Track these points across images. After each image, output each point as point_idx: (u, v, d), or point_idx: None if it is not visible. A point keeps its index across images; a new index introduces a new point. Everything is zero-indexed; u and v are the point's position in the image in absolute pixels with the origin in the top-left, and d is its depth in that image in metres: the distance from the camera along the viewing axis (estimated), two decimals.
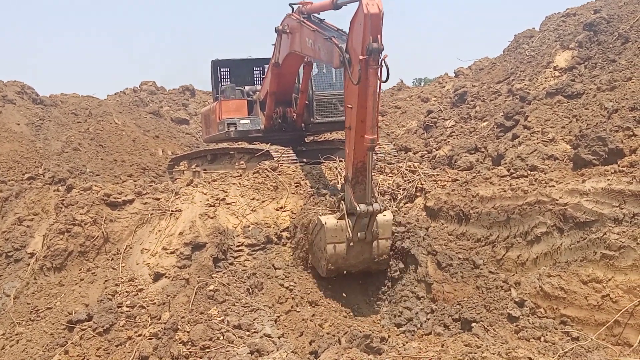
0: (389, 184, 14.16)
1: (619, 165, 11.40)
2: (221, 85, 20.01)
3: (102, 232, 12.25)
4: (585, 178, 11.47)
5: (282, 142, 16.71)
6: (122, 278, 11.45)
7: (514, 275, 11.66)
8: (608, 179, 10.96)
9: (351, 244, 11.24)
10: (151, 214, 12.52)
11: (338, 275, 11.80)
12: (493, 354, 9.76)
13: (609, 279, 10.32)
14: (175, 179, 18.09)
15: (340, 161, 14.77)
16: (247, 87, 19.33)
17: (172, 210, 12.40)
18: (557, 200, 11.28)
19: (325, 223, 11.21)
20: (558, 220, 11.18)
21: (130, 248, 12.12)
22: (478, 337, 10.48)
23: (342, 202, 11.24)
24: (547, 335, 10.39)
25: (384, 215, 11.41)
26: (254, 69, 20.64)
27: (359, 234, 11.20)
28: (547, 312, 10.91)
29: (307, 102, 17.29)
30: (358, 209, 10.83)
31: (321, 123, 17.65)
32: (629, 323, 9.98)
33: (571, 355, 9.68)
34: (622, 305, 10.04)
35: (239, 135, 17.67)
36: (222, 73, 20.39)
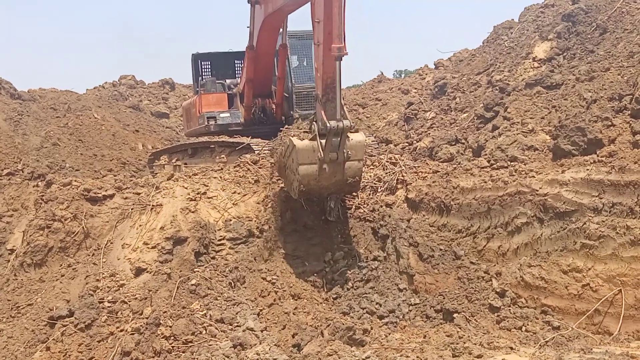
0: (370, 176, 14.16)
1: (598, 155, 11.49)
2: (202, 78, 19.94)
3: (83, 227, 12.16)
4: (565, 168, 11.56)
5: (262, 135, 16.67)
6: (103, 273, 11.38)
7: (495, 265, 11.73)
8: (587, 169, 11.05)
9: (323, 165, 11.12)
10: (132, 209, 12.45)
11: (310, 197, 11.96)
12: (475, 344, 9.82)
13: (589, 269, 10.42)
14: (156, 173, 18.01)
15: None
16: (228, 81, 19.28)
17: (152, 205, 12.34)
18: (537, 190, 11.36)
19: (297, 144, 11.14)
20: (538, 211, 11.26)
21: (111, 243, 12.05)
22: (460, 328, 10.55)
23: (314, 123, 11.12)
24: (528, 325, 10.48)
25: (356, 137, 11.35)
26: (235, 62, 20.58)
27: (330, 154, 11.06)
28: (528, 302, 11.00)
29: (286, 94, 17.27)
30: (328, 125, 10.73)
31: (301, 116, 17.63)
32: (609, 312, 10.08)
33: (552, 345, 9.76)
34: (602, 294, 10.14)
35: (219, 129, 17.64)
36: (202, 66, 20.32)
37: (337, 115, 10.83)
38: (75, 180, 13.27)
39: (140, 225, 12.07)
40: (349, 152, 11.17)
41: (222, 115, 17.75)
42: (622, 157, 10.98)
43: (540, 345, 9.75)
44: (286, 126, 13.68)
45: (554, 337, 9.93)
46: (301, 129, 11.95)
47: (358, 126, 14.86)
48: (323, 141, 10.99)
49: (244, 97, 17.46)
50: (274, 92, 17.18)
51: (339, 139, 10.98)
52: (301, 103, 17.30)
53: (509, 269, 11.46)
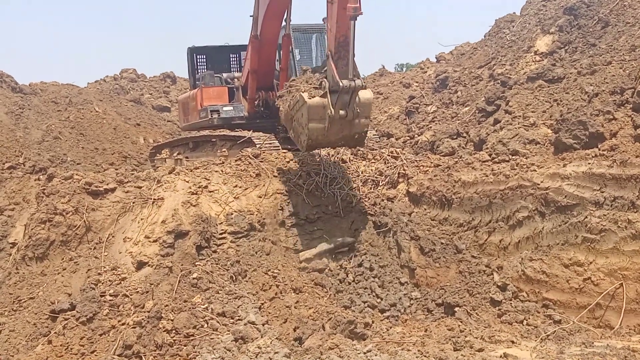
0: (371, 170, 14.16)
1: (599, 149, 11.48)
2: (198, 72, 19.89)
3: (84, 221, 12.17)
4: (567, 162, 11.55)
5: (264, 129, 16.65)
6: (104, 267, 11.40)
7: (496, 259, 11.73)
8: (589, 163, 11.04)
9: (332, 122, 11.37)
10: (133, 203, 12.45)
11: (317, 148, 12.87)
12: (476, 337, 9.83)
13: (590, 262, 10.42)
14: (157, 167, 17.98)
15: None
16: (224, 75, 19.21)
17: (154, 199, 12.35)
18: (539, 184, 11.35)
19: (308, 101, 11.35)
20: (540, 205, 11.25)
21: (113, 237, 12.06)
22: (461, 322, 10.56)
23: (325, 79, 11.31)
24: (529, 318, 10.48)
25: (365, 94, 11.55)
26: (231, 56, 20.49)
27: (340, 111, 11.28)
28: (530, 295, 11.00)
29: None
30: (341, 84, 10.93)
31: None
32: (610, 306, 10.08)
33: (553, 338, 9.77)
34: (604, 288, 10.14)
35: (222, 122, 17.57)
36: (198, 60, 20.23)
37: (349, 74, 11.03)
38: (76, 174, 13.26)
39: (141, 219, 12.08)
40: (358, 110, 11.43)
41: (225, 108, 17.69)
42: (623, 151, 10.97)
43: (541, 339, 9.76)
44: (293, 77, 13.80)
45: (555, 331, 9.94)
46: (310, 84, 12.08)
47: None
48: (332, 97, 11.21)
49: (246, 90, 17.42)
50: (276, 86, 17.15)
51: (349, 96, 11.20)
52: None
53: (511, 262, 11.47)
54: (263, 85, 16.98)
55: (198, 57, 20.24)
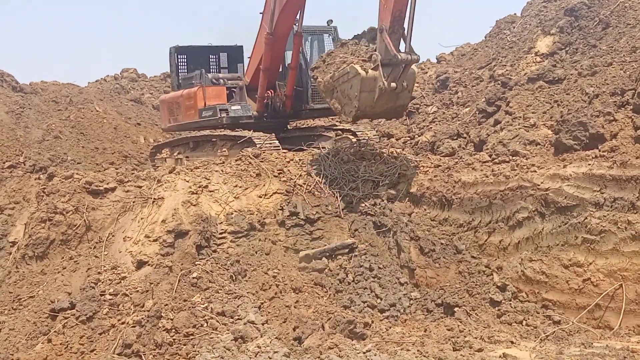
0: (371, 170, 14.17)
1: (599, 150, 11.49)
2: (180, 71, 19.66)
3: (84, 220, 12.18)
4: (567, 163, 11.56)
5: (272, 128, 16.64)
6: (104, 266, 11.41)
7: (496, 260, 11.74)
8: (589, 164, 11.05)
9: (382, 93, 12.08)
10: (133, 202, 12.47)
11: (362, 118, 14.05)
12: (475, 338, 9.85)
13: (590, 263, 10.43)
14: (158, 167, 17.97)
15: (323, 148, 14.79)
16: (210, 75, 19.06)
17: (154, 198, 12.36)
18: (539, 185, 11.36)
19: (362, 73, 11.97)
20: (540, 205, 11.26)
21: (113, 236, 12.07)
22: (460, 322, 10.57)
23: (375, 53, 11.88)
24: (528, 319, 10.49)
25: (412, 68, 12.34)
26: (210, 56, 20.26)
27: (392, 83, 12.00)
28: (529, 296, 11.01)
29: (299, 87, 17.26)
30: (399, 57, 11.64)
31: (315, 110, 17.81)
32: (609, 306, 10.09)
33: (553, 339, 9.78)
34: (603, 289, 10.15)
35: (231, 121, 17.36)
36: (180, 60, 20.02)
37: (406, 47, 11.74)
38: (77, 173, 13.29)
39: (141, 219, 12.09)
40: (405, 83, 12.15)
41: (233, 107, 17.53)
42: (623, 152, 10.99)
43: (540, 339, 9.78)
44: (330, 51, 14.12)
45: (554, 332, 9.95)
46: (357, 56, 12.66)
47: (360, 120, 15.02)
48: (384, 70, 11.84)
49: (253, 89, 17.33)
50: (277, 86, 17.14)
51: (401, 70, 11.84)
52: (316, 97, 17.26)
53: (510, 263, 11.48)
54: (272, 83, 17.01)
55: (179, 56, 19.98)
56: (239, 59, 20.14)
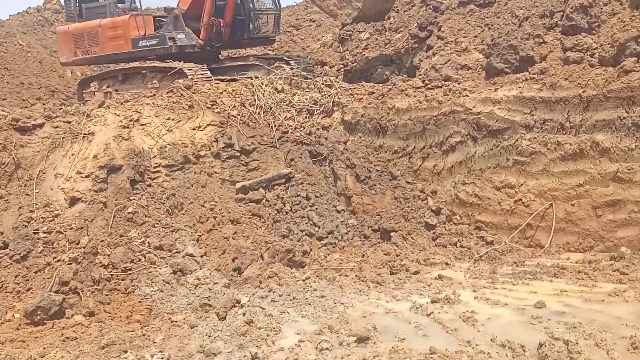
0: (305, 99, 14.09)
1: (529, 73, 11.61)
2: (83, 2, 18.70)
3: (13, 157, 11.84)
4: (498, 87, 11.68)
5: (196, 60, 16.26)
6: (36, 204, 11.16)
7: (430, 184, 11.92)
8: (519, 87, 11.19)
9: None
10: (63, 138, 12.14)
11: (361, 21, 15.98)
12: (412, 261, 10.07)
13: (521, 184, 10.69)
14: (86, 101, 17.45)
15: (256, 78, 14.58)
16: (125, 3, 18.28)
17: (84, 133, 12.06)
18: (471, 109, 11.49)
19: None
20: (472, 129, 11.41)
21: (43, 173, 11.78)
22: (397, 246, 10.76)
23: None
24: (462, 241, 10.75)
25: None
26: None
27: None
28: (463, 218, 11.26)
29: (239, 16, 17.01)
30: None
31: (255, 39, 17.82)
32: (540, 226, 10.40)
33: (486, 259, 10.06)
34: (534, 209, 10.44)
35: (179, 50, 16.78)
36: None
37: None
38: (2, 110, 12.83)
39: (72, 155, 11.82)
40: None
41: (179, 36, 16.92)
42: (553, 74, 11.13)
43: (474, 260, 10.04)
44: None
45: (487, 252, 10.23)
46: None
47: (292, 49, 14.88)
48: None
49: (186, 19, 16.80)
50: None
51: None
52: (256, 25, 17.11)
53: (444, 187, 11.67)
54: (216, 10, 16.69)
55: None
56: None
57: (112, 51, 17.62)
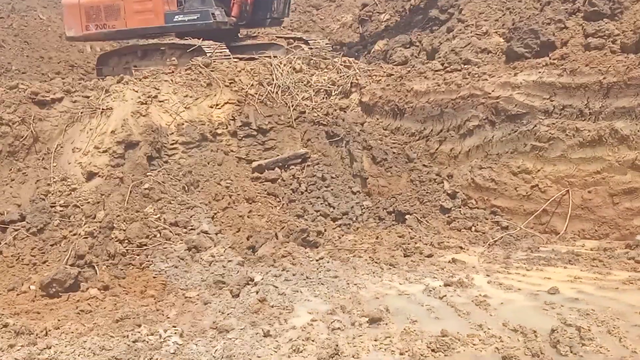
0: (324, 79, 14.06)
1: (550, 58, 11.52)
2: None
3: (32, 131, 11.91)
4: (517, 71, 11.60)
5: (215, 38, 16.21)
6: (54, 178, 11.25)
7: (446, 168, 11.90)
8: (539, 72, 11.11)
9: None
10: (81, 113, 12.19)
11: None
12: (426, 244, 10.07)
13: (538, 170, 10.64)
14: (105, 76, 17.49)
15: (275, 57, 14.56)
16: None
17: (102, 109, 12.11)
18: (490, 93, 11.42)
19: None
20: (490, 114, 11.36)
21: (61, 147, 11.85)
22: (411, 229, 10.76)
23: None
24: (477, 225, 10.73)
25: None
26: None
27: None
28: (478, 203, 11.23)
29: None
30: None
31: (275, 19, 17.66)
32: (556, 212, 10.36)
33: (500, 244, 10.04)
34: (550, 195, 10.40)
35: (216, 27, 16.54)
36: None
37: None
38: (22, 83, 12.89)
39: (90, 129, 11.88)
40: None
41: (217, 12, 16.61)
42: (573, 60, 11.04)
43: (489, 244, 10.03)
44: None
45: (502, 237, 10.21)
46: None
47: (311, 29, 14.78)
48: None
49: None
50: None
51: None
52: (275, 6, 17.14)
53: (460, 171, 11.64)
54: None
55: None
56: None
57: (138, 25, 17.06)
